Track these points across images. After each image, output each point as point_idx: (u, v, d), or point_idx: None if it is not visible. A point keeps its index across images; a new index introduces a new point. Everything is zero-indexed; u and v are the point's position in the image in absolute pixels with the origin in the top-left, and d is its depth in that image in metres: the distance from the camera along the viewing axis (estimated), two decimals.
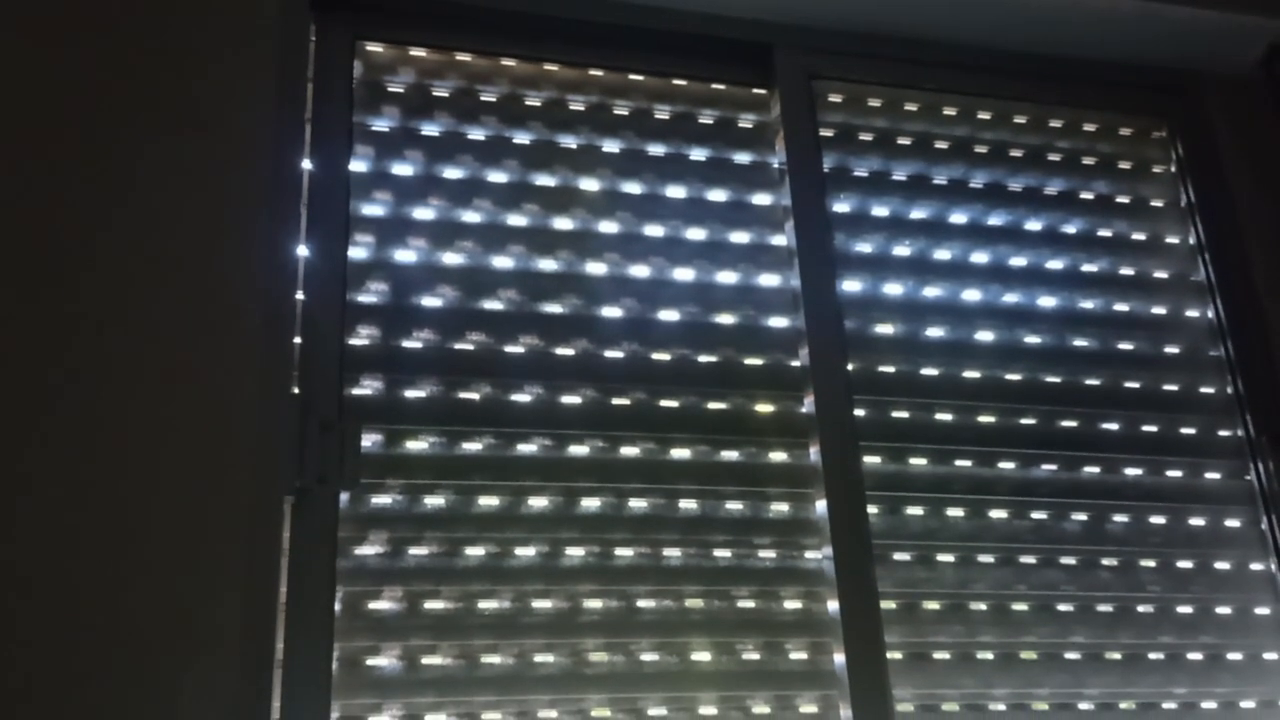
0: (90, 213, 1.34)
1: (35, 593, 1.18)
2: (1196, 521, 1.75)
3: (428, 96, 1.67)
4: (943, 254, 1.81)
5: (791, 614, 1.52)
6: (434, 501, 1.46)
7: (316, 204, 1.53)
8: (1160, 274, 1.91)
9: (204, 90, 1.44)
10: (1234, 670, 1.66)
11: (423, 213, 1.60)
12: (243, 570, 1.25)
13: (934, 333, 1.75)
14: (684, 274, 1.68)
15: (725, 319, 1.66)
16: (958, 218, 1.85)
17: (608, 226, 1.67)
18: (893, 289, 1.77)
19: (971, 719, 1.54)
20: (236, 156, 1.42)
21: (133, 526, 1.23)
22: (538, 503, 1.49)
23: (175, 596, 1.21)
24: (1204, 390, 1.85)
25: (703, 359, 1.63)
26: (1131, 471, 1.75)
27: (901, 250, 1.79)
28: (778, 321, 1.69)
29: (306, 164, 1.54)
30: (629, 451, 1.55)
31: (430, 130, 1.65)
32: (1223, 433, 1.82)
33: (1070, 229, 1.90)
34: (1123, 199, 1.95)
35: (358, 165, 1.59)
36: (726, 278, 1.69)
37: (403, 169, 1.62)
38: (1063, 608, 1.63)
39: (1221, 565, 1.73)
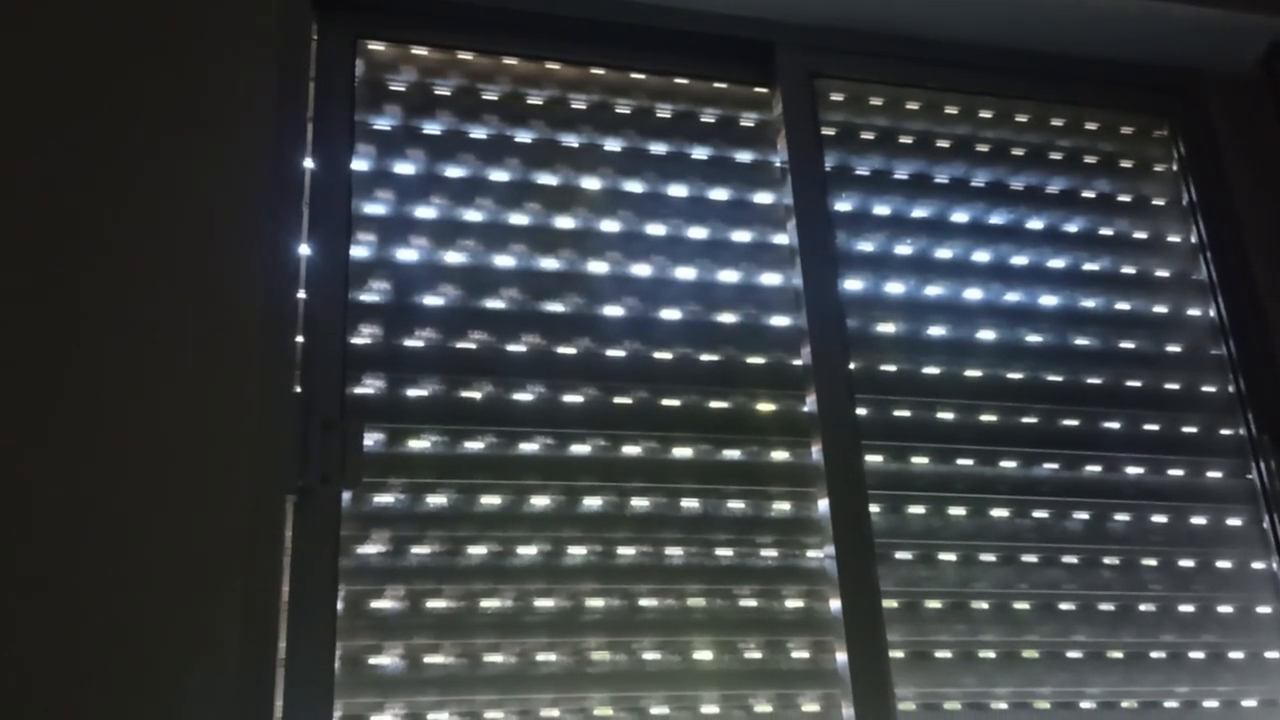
0: (92, 212, 1.34)
1: (38, 593, 1.18)
2: (1198, 520, 1.75)
3: (429, 95, 1.67)
4: (944, 253, 1.81)
5: (793, 613, 1.52)
6: (436, 500, 1.46)
7: (318, 203, 1.53)
8: (1162, 273, 1.91)
9: (206, 89, 1.44)
10: (1235, 669, 1.66)
11: (424, 211, 1.60)
12: (245, 569, 1.25)
13: (935, 331, 1.75)
14: (686, 273, 1.68)
15: (727, 318, 1.66)
16: (959, 216, 1.85)
17: (609, 225, 1.67)
18: (894, 288, 1.77)
19: (973, 718, 1.54)
20: (238, 155, 1.42)
21: (135, 526, 1.23)
22: (540, 501, 1.49)
23: (177, 596, 1.21)
24: (1205, 389, 1.85)
25: (704, 358, 1.63)
26: (1133, 470, 1.75)
27: (903, 249, 1.79)
28: (779, 320, 1.69)
29: (308, 163, 1.53)
30: (631, 450, 1.55)
31: (432, 129, 1.65)
32: (1224, 431, 1.82)
33: (1071, 228, 1.90)
34: (1124, 198, 1.95)
35: (359, 164, 1.59)
36: (728, 276, 1.69)
37: (404, 168, 1.62)
38: (1064, 606, 1.63)
39: (1223, 564, 1.73)
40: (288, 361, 1.38)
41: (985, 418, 1.72)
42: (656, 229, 1.69)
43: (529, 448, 1.51)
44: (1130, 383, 1.81)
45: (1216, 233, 1.94)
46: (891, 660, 1.51)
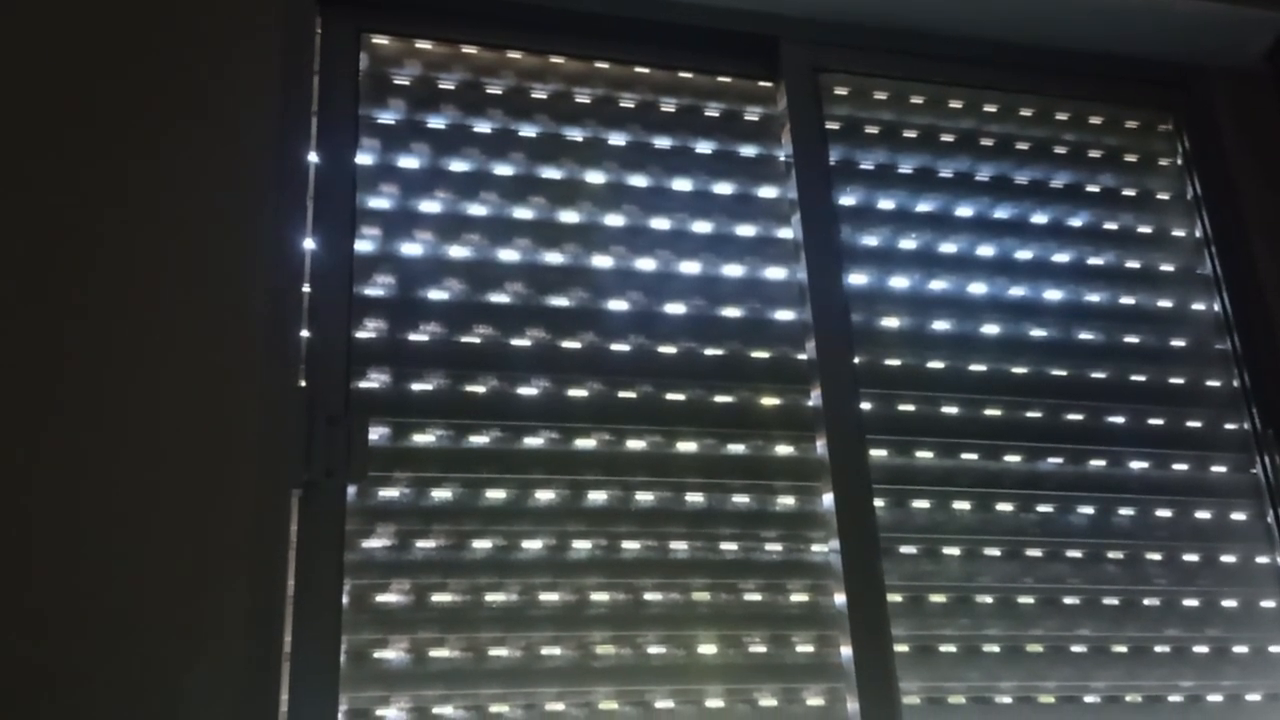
0: (96, 206, 1.34)
1: (44, 586, 1.18)
2: (1202, 515, 1.75)
3: (433, 89, 1.67)
4: (949, 247, 1.81)
5: (798, 607, 1.52)
6: (441, 494, 1.46)
7: (322, 197, 1.53)
8: (1166, 267, 1.91)
9: (209, 84, 1.44)
10: (1240, 663, 1.66)
11: (429, 205, 1.60)
12: (250, 564, 1.25)
13: (940, 326, 1.75)
14: (690, 267, 1.68)
15: (731, 312, 1.66)
16: (964, 211, 1.85)
17: (614, 219, 1.67)
18: (899, 282, 1.76)
19: (978, 711, 1.54)
20: (242, 150, 1.42)
21: (140, 520, 1.23)
22: (545, 496, 1.49)
23: (183, 589, 1.21)
24: (1210, 384, 1.84)
25: (709, 352, 1.62)
26: (1137, 465, 1.75)
27: (907, 243, 1.79)
28: (784, 315, 1.68)
29: (312, 157, 1.53)
30: (635, 445, 1.55)
31: (436, 123, 1.65)
32: (1229, 426, 1.82)
33: (1076, 222, 1.90)
34: (1129, 192, 1.95)
35: (364, 158, 1.59)
36: (732, 271, 1.69)
37: (409, 162, 1.61)
38: (1069, 601, 1.63)
39: (1227, 558, 1.73)
40: (292, 356, 1.38)
41: (990, 412, 1.72)
42: (661, 223, 1.69)
43: (533, 442, 1.51)
44: (1135, 377, 1.81)
45: (1221, 227, 1.93)
46: (896, 654, 1.51)
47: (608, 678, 1.42)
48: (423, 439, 1.48)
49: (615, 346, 1.59)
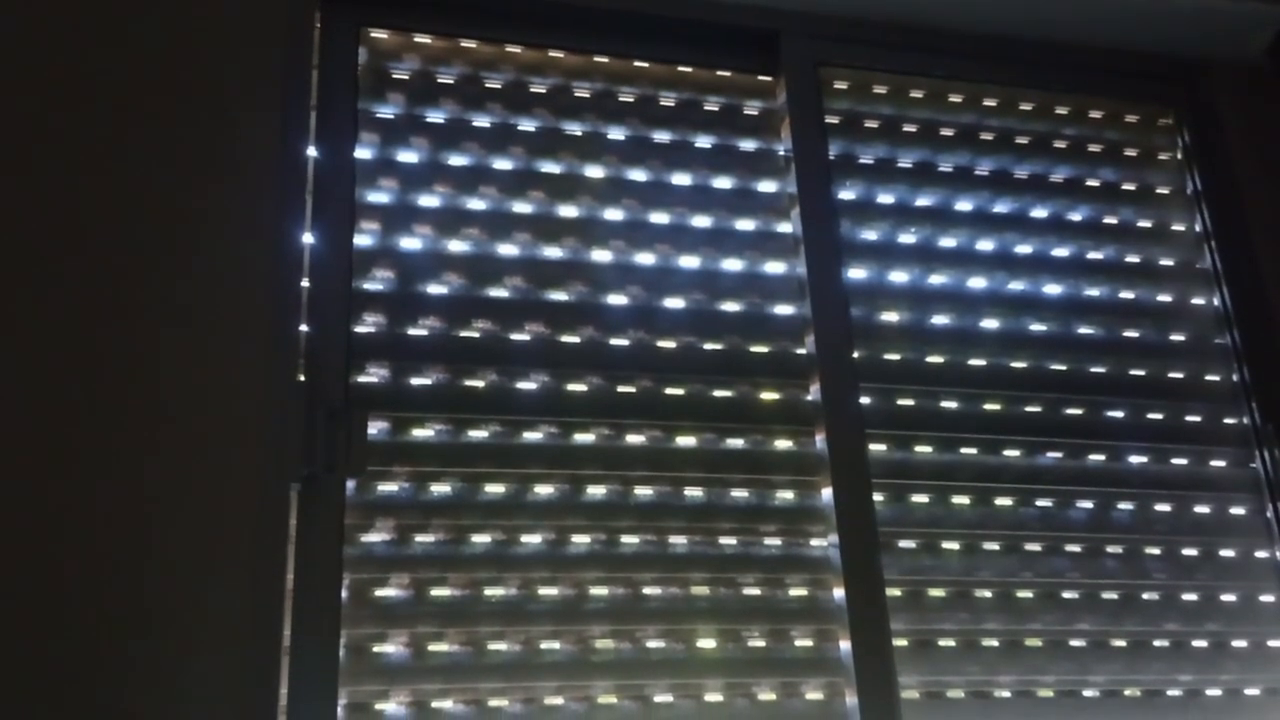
0: (95, 202, 1.34)
1: (44, 580, 1.18)
2: (1202, 509, 1.75)
3: (433, 83, 1.67)
4: (948, 241, 1.81)
5: (797, 601, 1.52)
6: (440, 489, 1.46)
7: (322, 191, 1.53)
8: (1166, 261, 1.91)
9: (209, 78, 1.44)
10: (1239, 658, 1.67)
11: (428, 200, 1.60)
12: (249, 558, 1.25)
13: (939, 320, 1.75)
14: (689, 261, 1.67)
15: (731, 306, 1.66)
16: (963, 205, 1.85)
17: (613, 214, 1.67)
18: (898, 276, 1.76)
19: (977, 706, 1.54)
20: (241, 144, 1.42)
21: (140, 514, 1.23)
22: (544, 490, 1.49)
23: (182, 584, 1.22)
24: (1209, 378, 1.84)
25: (708, 346, 1.62)
26: (1137, 459, 1.75)
27: (907, 238, 1.79)
28: (783, 309, 1.68)
29: (312, 151, 1.53)
30: (635, 439, 1.55)
31: (435, 117, 1.65)
32: (1228, 420, 1.82)
33: (1076, 216, 1.90)
34: (1129, 186, 1.94)
35: (363, 152, 1.59)
36: (732, 265, 1.69)
37: (408, 156, 1.61)
38: (1068, 595, 1.64)
39: (1226, 553, 1.73)
40: (292, 350, 1.38)
41: (989, 407, 1.72)
42: (660, 217, 1.69)
43: (533, 436, 1.51)
44: (1134, 372, 1.81)
45: (1221, 221, 1.93)
46: (895, 648, 1.52)
47: (607, 672, 1.42)
48: (422, 433, 1.48)
49: (615, 341, 1.59)
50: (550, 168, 1.67)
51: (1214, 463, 1.79)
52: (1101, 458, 1.74)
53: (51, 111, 1.37)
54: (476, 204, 1.62)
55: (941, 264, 1.79)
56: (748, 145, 1.77)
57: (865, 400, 1.66)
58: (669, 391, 1.58)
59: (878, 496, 1.60)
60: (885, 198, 1.81)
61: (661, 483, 1.53)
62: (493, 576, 1.43)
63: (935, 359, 1.72)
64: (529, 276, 1.60)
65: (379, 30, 1.67)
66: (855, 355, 1.67)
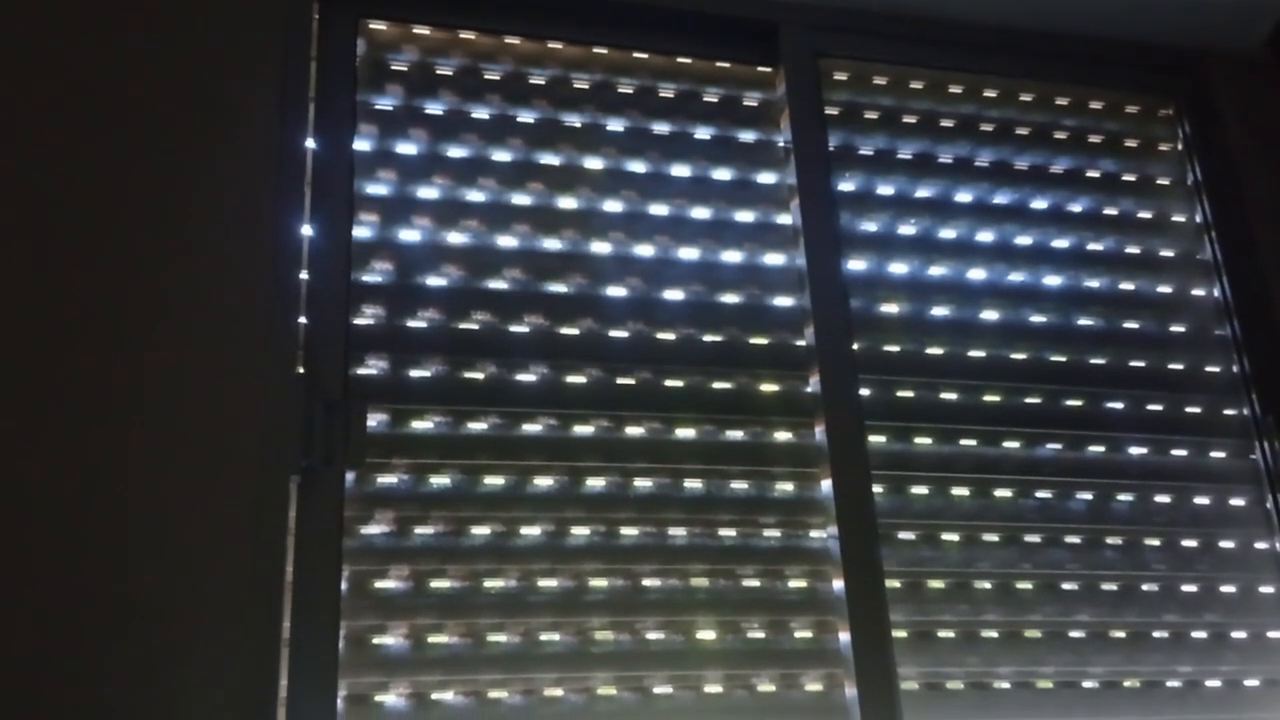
0: (93, 195, 1.34)
1: (44, 573, 1.18)
2: (1201, 501, 1.75)
3: (431, 75, 1.66)
4: (948, 233, 1.81)
5: (797, 593, 1.52)
6: (439, 481, 1.46)
7: (320, 183, 1.53)
8: (1166, 253, 1.91)
9: (207, 70, 1.43)
10: (1238, 649, 1.67)
11: (427, 192, 1.60)
12: (249, 550, 1.25)
13: (939, 312, 1.75)
14: (689, 253, 1.67)
15: (730, 298, 1.66)
16: (963, 196, 1.84)
17: (612, 205, 1.67)
18: (898, 268, 1.76)
19: (976, 697, 1.54)
20: (240, 136, 1.42)
21: (139, 507, 1.23)
22: (543, 482, 1.49)
23: (182, 576, 1.22)
24: (1209, 369, 1.84)
25: (708, 338, 1.62)
26: (1136, 450, 1.75)
27: (907, 229, 1.79)
28: (783, 301, 1.68)
29: (310, 143, 1.53)
30: (634, 431, 1.55)
31: (434, 109, 1.64)
32: (1228, 412, 1.82)
33: (1076, 207, 1.89)
34: (1129, 177, 1.94)
35: (361, 144, 1.59)
36: (731, 257, 1.69)
37: (407, 148, 1.61)
38: (1067, 586, 1.64)
39: (1226, 544, 1.73)
40: (290, 343, 1.38)
41: (989, 398, 1.72)
42: (659, 209, 1.69)
43: (532, 428, 1.51)
44: (1134, 363, 1.81)
45: (1221, 212, 1.93)
46: (894, 640, 1.52)
47: (606, 663, 1.42)
48: (421, 425, 1.48)
49: (614, 332, 1.59)
50: (549, 159, 1.67)
51: (1214, 454, 1.79)
52: (1101, 449, 1.74)
53: (48, 103, 1.36)
54: (475, 195, 1.61)
55: (941, 255, 1.79)
56: (747, 136, 1.77)
57: (865, 392, 1.65)
58: (668, 383, 1.58)
59: (877, 488, 1.60)
60: (885, 189, 1.81)
61: (661, 474, 1.53)
62: (492, 568, 1.43)
63: (935, 350, 1.72)
64: (528, 268, 1.59)
65: (377, 21, 1.66)
66: (855, 347, 1.67)
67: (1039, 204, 1.88)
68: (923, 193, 1.82)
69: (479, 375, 1.52)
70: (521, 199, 1.63)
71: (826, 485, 1.58)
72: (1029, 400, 1.73)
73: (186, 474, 1.26)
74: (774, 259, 1.71)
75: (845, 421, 1.61)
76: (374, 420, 1.46)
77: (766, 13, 1.81)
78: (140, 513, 1.23)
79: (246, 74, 1.45)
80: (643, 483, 1.52)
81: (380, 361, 1.49)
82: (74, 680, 1.15)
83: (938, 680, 1.54)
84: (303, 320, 1.44)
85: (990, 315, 1.77)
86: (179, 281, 1.33)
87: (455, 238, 1.58)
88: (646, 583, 1.48)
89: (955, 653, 1.56)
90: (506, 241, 1.60)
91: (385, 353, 1.50)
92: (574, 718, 1.39)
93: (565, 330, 1.57)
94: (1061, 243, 1.86)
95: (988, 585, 1.61)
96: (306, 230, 1.49)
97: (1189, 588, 1.69)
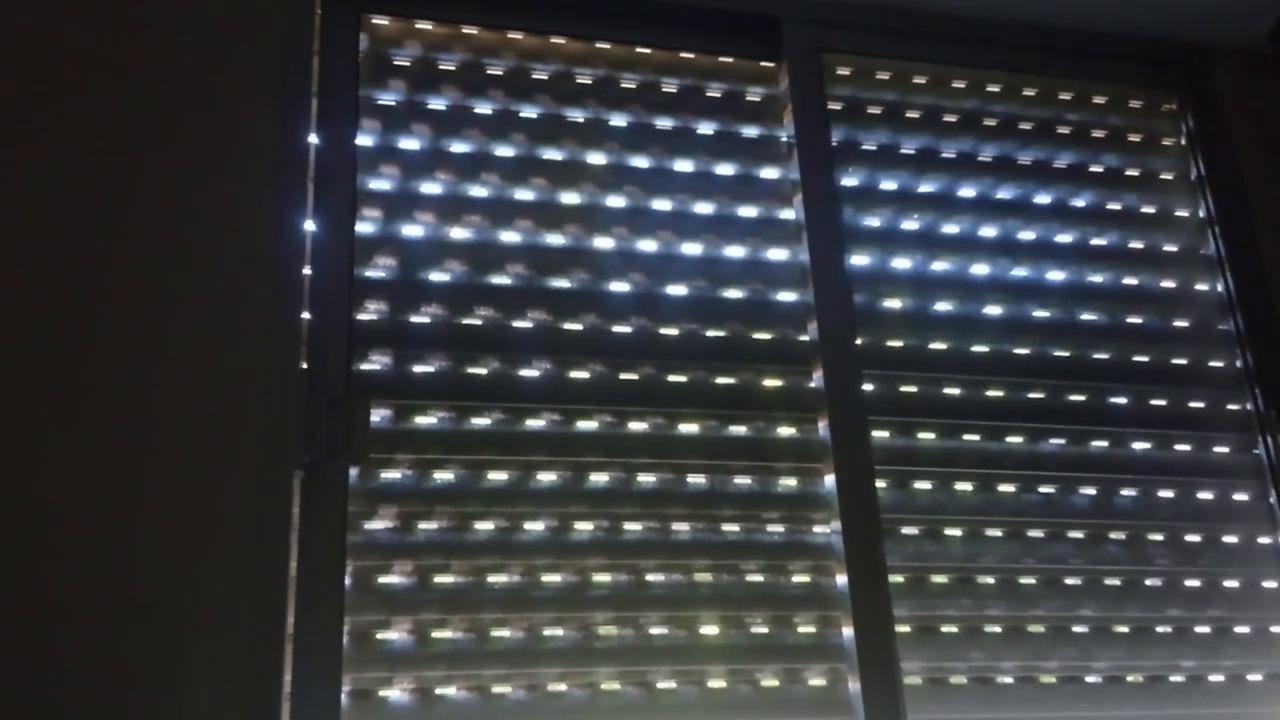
0: (96, 191, 1.34)
1: (49, 568, 1.18)
2: (1205, 495, 1.75)
3: (434, 70, 1.66)
4: (951, 228, 1.81)
5: (800, 588, 1.53)
6: (443, 476, 1.46)
7: (323, 179, 1.53)
8: (1169, 247, 1.90)
9: (210, 65, 1.43)
10: (1241, 643, 1.67)
11: (430, 187, 1.59)
12: (253, 545, 1.25)
13: (942, 307, 1.75)
14: (692, 248, 1.67)
15: (733, 294, 1.66)
16: (966, 191, 1.84)
17: (615, 201, 1.67)
18: (901, 263, 1.76)
19: (979, 691, 1.54)
20: (243, 131, 1.41)
21: (143, 502, 1.23)
22: (546, 477, 1.49)
23: (186, 571, 1.22)
24: (1213, 364, 1.84)
25: (711, 334, 1.62)
26: (1140, 445, 1.75)
27: (910, 224, 1.79)
28: (786, 296, 1.68)
29: (313, 139, 1.53)
30: (637, 426, 1.55)
31: (437, 104, 1.64)
32: (1231, 407, 1.82)
33: (1079, 202, 1.89)
34: (1132, 172, 1.94)
35: (364, 140, 1.59)
36: (735, 252, 1.69)
37: (409, 143, 1.61)
38: (1071, 581, 1.64)
39: (1229, 539, 1.73)
40: (293, 338, 1.38)
41: (992, 393, 1.72)
42: (662, 204, 1.68)
43: (535, 424, 1.51)
44: (1137, 358, 1.81)
45: (1225, 207, 1.93)
46: (898, 634, 1.52)
47: (610, 658, 1.42)
48: (424, 421, 1.48)
49: (617, 328, 1.59)
50: (552, 154, 1.66)
51: (1217, 448, 1.79)
52: (1104, 444, 1.74)
53: (51, 99, 1.36)
54: (478, 191, 1.61)
55: (944, 250, 1.79)
56: (750, 131, 1.77)
57: (868, 387, 1.65)
58: (671, 378, 1.58)
59: (880, 483, 1.60)
60: (888, 184, 1.80)
61: (664, 470, 1.53)
62: (496, 563, 1.43)
63: (938, 345, 1.72)
64: (531, 264, 1.59)
65: (380, 17, 1.66)
66: (858, 342, 1.67)
67: (1042, 199, 1.88)
68: (926, 188, 1.82)
69: (482, 370, 1.52)
70: (524, 194, 1.63)
71: (830, 480, 1.58)
72: (1032, 395, 1.73)
73: (190, 469, 1.26)
74: (777, 254, 1.71)
75: (848, 416, 1.61)
76: (377, 415, 1.46)
77: (769, 8, 1.81)
78: (144, 508, 1.23)
79: (248, 69, 1.44)
80: (646, 478, 1.52)
81: (383, 357, 1.49)
82: (79, 675, 1.15)
83: (941, 675, 1.54)
84: (306, 316, 1.44)
85: (993, 310, 1.77)
86: (182, 277, 1.33)
87: (458, 233, 1.58)
88: (650, 578, 1.48)
89: (958, 647, 1.56)
90: (509, 237, 1.60)
91: (388, 348, 1.50)
92: (578, 713, 1.39)
93: (568, 325, 1.57)
94: (1065, 238, 1.86)
95: (991, 580, 1.61)
96: (309, 226, 1.49)
97: (1192, 583, 1.69)
